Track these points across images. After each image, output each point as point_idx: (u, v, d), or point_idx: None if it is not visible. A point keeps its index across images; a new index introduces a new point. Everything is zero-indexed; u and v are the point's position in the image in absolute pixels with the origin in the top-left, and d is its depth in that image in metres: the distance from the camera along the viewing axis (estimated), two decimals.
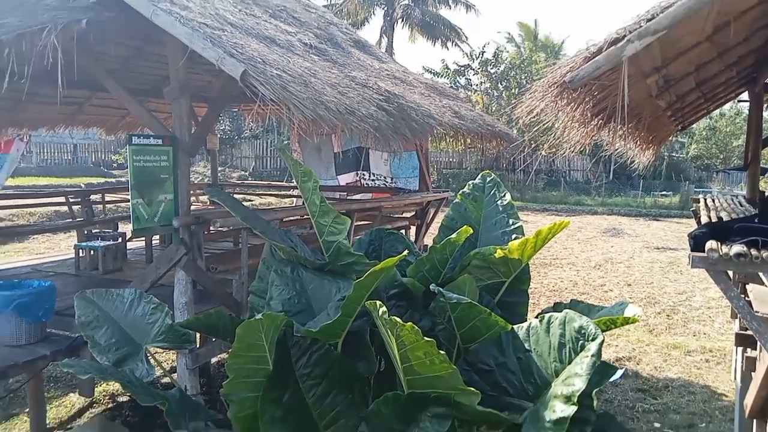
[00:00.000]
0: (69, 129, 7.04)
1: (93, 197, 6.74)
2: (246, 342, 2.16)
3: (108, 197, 7.21)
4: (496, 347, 2.34)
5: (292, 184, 10.21)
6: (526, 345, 2.29)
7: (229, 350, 4.64)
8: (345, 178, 8.02)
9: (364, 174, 7.86)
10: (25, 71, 3.08)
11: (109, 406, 4.90)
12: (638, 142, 4.55)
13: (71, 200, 6.57)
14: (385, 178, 7.78)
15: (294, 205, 8.49)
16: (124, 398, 5.02)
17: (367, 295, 2.30)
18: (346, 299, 2.23)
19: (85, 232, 5.97)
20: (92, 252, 5.19)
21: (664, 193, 22.28)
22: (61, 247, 10.41)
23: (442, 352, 1.91)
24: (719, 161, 24.59)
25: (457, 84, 24.27)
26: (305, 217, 5.67)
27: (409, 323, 1.87)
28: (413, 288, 2.76)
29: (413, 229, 6.86)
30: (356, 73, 4.68)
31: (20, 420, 4.55)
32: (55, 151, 24.21)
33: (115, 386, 5.23)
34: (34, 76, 3.31)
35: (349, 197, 7.43)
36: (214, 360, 5.68)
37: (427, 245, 6.53)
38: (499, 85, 24.23)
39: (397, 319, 1.88)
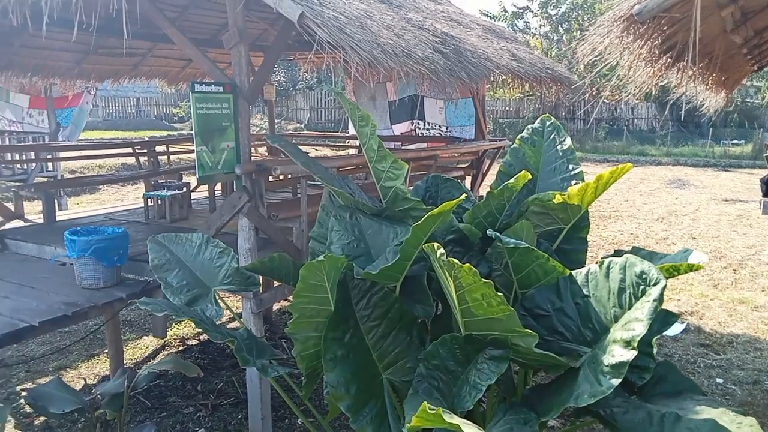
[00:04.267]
0: (132, 81, 7.26)
1: (158, 149, 7.00)
2: (309, 282, 2.24)
3: (171, 149, 7.46)
4: (554, 292, 2.34)
5: (347, 135, 10.25)
6: (585, 290, 2.28)
7: (290, 297, 4.83)
8: (400, 128, 7.97)
9: (419, 123, 7.78)
10: (92, 20, 3.18)
11: (180, 348, 5.22)
12: (709, 85, 4.29)
13: (138, 152, 6.85)
14: (440, 126, 7.69)
15: (348, 155, 8.55)
16: (194, 342, 5.33)
17: (425, 239, 2.32)
18: (404, 243, 2.26)
19: (152, 183, 6.23)
20: (159, 201, 5.43)
21: (735, 141, 21.06)
22: (130, 198, 10.94)
23: (499, 293, 1.92)
24: None
25: (515, 28, 23.35)
26: (361, 166, 5.74)
27: (467, 264, 1.89)
28: (470, 233, 2.76)
29: (468, 179, 6.80)
30: (412, 15, 4.58)
31: (100, 360, 4.93)
32: (120, 105, 25.10)
33: (185, 330, 5.56)
34: (99, 26, 3.41)
35: (403, 147, 7.40)
36: (275, 307, 5.92)
37: (482, 195, 6.46)
38: (560, 27, 23.16)
39: (455, 261, 1.90)
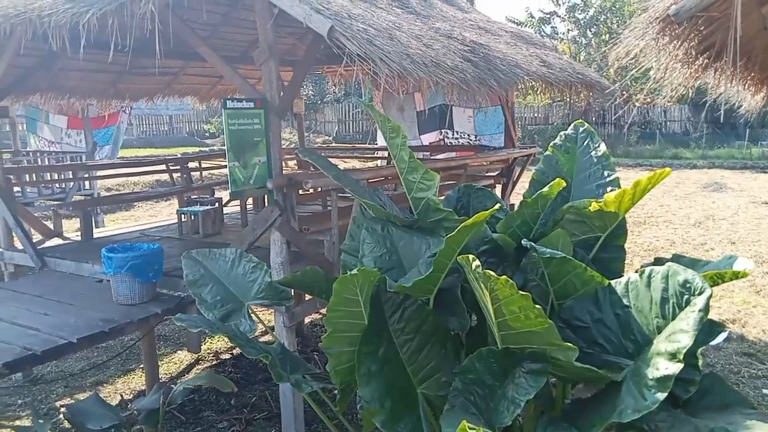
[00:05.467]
0: (165, 99, 7.43)
1: (190, 165, 7.12)
2: (342, 296, 2.22)
3: (203, 164, 7.59)
4: (593, 303, 2.27)
5: (375, 146, 10.27)
6: (625, 301, 2.21)
7: (322, 310, 4.81)
8: (428, 138, 7.95)
9: (447, 132, 7.75)
10: (127, 41, 3.25)
11: (214, 362, 5.26)
12: (748, 84, 4.16)
13: (171, 168, 6.98)
14: (469, 135, 7.64)
15: (377, 166, 8.55)
16: (227, 356, 5.37)
17: (459, 250, 2.29)
18: (437, 255, 2.23)
19: (185, 199, 6.32)
20: (193, 217, 5.50)
21: None
22: (163, 214, 11.14)
23: (538, 306, 1.87)
24: None
25: (542, 33, 23.16)
26: (390, 177, 5.73)
27: (504, 276, 1.85)
28: (504, 244, 2.71)
29: (498, 188, 6.72)
30: (440, 24, 4.57)
31: (136, 375, 4.99)
32: (153, 123, 25.73)
33: (218, 344, 5.60)
34: (133, 48, 3.49)
35: (432, 157, 7.37)
36: (307, 320, 5.93)
37: (513, 204, 6.39)
38: (588, 31, 22.88)
39: (491, 273, 1.86)
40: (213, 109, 23.64)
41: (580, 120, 3.44)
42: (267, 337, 5.54)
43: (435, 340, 2.40)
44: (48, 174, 8.25)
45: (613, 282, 2.26)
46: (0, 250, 5.19)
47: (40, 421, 3.08)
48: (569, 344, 1.91)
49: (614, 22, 21.66)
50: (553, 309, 2.50)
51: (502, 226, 2.76)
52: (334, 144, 21.70)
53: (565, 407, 2.33)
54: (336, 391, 2.59)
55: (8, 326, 3.54)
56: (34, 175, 7.88)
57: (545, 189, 2.69)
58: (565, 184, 2.79)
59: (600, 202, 2.65)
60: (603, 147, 3.19)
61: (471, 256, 1.97)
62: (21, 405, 4.48)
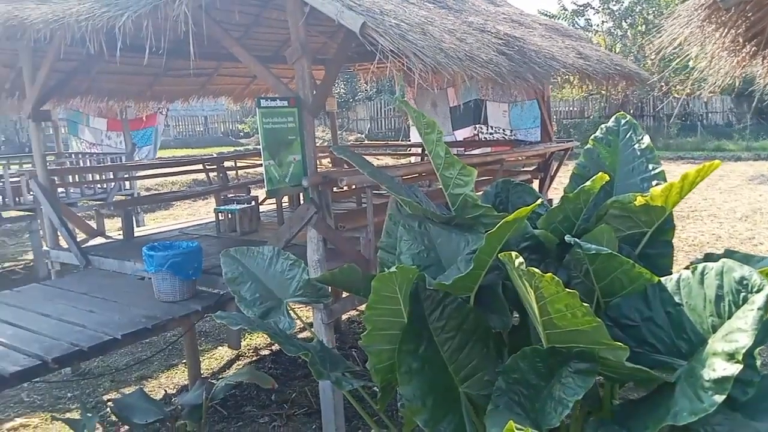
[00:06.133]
0: (200, 100, 7.55)
1: (226, 164, 7.21)
2: (381, 294, 2.20)
3: (239, 163, 7.67)
4: (642, 301, 2.20)
5: (408, 143, 10.24)
6: (676, 298, 2.12)
7: (360, 307, 4.80)
8: (462, 133, 7.87)
9: (481, 128, 7.66)
10: (162, 44, 3.29)
11: (254, 358, 5.31)
12: None
13: (207, 168, 7.08)
14: (504, 130, 7.53)
15: (411, 163, 8.51)
16: (266, 352, 5.42)
17: (499, 247, 2.24)
18: (477, 252, 2.19)
19: (222, 197, 6.40)
20: (230, 215, 5.56)
21: None
22: (201, 213, 11.33)
23: (585, 304, 1.81)
24: None
25: (576, 26, 22.68)
26: (424, 174, 5.69)
27: (549, 274, 1.79)
28: (546, 240, 2.65)
29: (535, 183, 6.60)
30: (473, 18, 4.51)
31: (178, 370, 5.08)
32: (189, 123, 26.21)
33: (258, 340, 5.65)
34: (168, 50, 3.54)
35: (467, 152, 7.29)
36: (344, 317, 5.94)
37: (551, 200, 6.26)
38: (623, 23, 22.31)
39: (536, 270, 1.81)
40: (247, 109, 23.95)
41: (622, 112, 3.34)
42: (305, 334, 5.57)
43: (476, 339, 2.35)
44: (90, 175, 8.46)
45: (663, 279, 2.17)
46: (47, 249, 5.35)
47: (88, 414, 3.15)
48: (620, 344, 1.84)
49: (650, 12, 21.06)
50: (599, 307, 2.42)
51: (543, 221, 2.69)
52: (366, 141, 21.71)
53: (614, 408, 2.26)
54: (377, 389, 2.57)
55: (56, 323, 3.64)
56: (76, 176, 8.10)
57: (588, 183, 2.61)
58: (608, 178, 2.71)
59: (646, 196, 2.56)
60: (647, 139, 3.09)
61: (514, 253, 1.92)
62: (70, 398, 4.60)
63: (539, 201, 2.54)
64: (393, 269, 2.14)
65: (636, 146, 3.08)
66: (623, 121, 3.19)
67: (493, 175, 5.62)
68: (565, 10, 22.99)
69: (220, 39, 3.83)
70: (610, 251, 2.22)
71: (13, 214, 8.82)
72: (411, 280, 2.27)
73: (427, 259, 2.69)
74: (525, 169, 6.74)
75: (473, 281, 2.33)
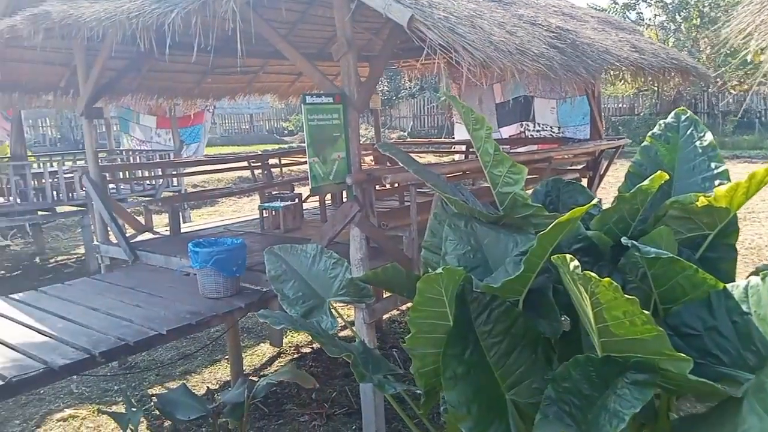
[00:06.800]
0: (246, 98, 7.63)
1: (270, 161, 7.26)
2: (426, 296, 2.13)
3: (283, 161, 7.72)
4: (705, 308, 2.06)
5: (452, 141, 10.11)
6: (744, 307, 1.98)
7: (402, 307, 4.72)
8: (508, 131, 7.71)
9: (528, 125, 7.48)
10: (209, 41, 3.31)
11: (295, 356, 5.32)
12: None
13: (252, 165, 7.15)
14: (551, 127, 7.34)
15: (455, 161, 8.39)
16: (307, 349, 5.42)
17: (551, 249, 2.14)
18: (528, 253, 2.09)
19: (266, 194, 6.45)
20: (274, 212, 5.59)
21: None
22: (245, 209, 11.49)
23: (646, 312, 1.70)
24: None
25: (627, 19, 21.98)
26: (468, 172, 5.57)
27: (607, 279, 1.69)
28: (599, 242, 2.52)
29: (584, 182, 6.39)
30: (523, 11, 4.38)
31: (221, 365, 5.13)
32: (235, 121, 26.68)
33: (299, 338, 5.67)
34: (216, 47, 3.55)
35: (512, 150, 7.13)
36: (385, 316, 5.89)
37: (600, 199, 6.04)
38: (677, 16, 21.50)
39: (593, 274, 1.71)
40: (291, 107, 24.19)
41: (682, 107, 3.16)
42: (346, 332, 5.55)
43: (525, 344, 2.25)
44: (139, 171, 8.67)
45: (728, 285, 2.03)
46: (97, 244, 5.49)
47: (133, 409, 3.20)
48: (683, 355, 1.72)
49: (706, 4, 20.22)
50: (657, 314, 2.29)
51: (596, 222, 2.57)
52: (408, 139, 21.61)
53: (672, 423, 2.13)
54: (420, 393, 2.51)
55: (105, 317, 3.71)
56: (126, 172, 8.32)
57: (645, 182, 2.47)
58: (667, 176, 2.56)
59: (708, 196, 2.40)
60: (709, 136, 2.91)
61: (568, 256, 1.82)
62: (117, 391, 4.71)
63: (594, 201, 2.42)
64: (439, 270, 2.06)
65: (697, 143, 2.91)
66: (683, 117, 3.02)
67: (541, 173, 5.47)
68: (616, 3, 22.32)
69: (266, 36, 3.82)
70: (670, 255, 2.09)
71: (67, 209, 9.15)
72: (457, 282, 2.19)
73: (473, 260, 2.60)
74: (573, 167, 6.54)
75: (523, 284, 2.24)
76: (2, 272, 8.86)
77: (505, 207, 2.74)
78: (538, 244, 2.07)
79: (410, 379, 2.47)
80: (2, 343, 3.31)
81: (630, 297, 1.70)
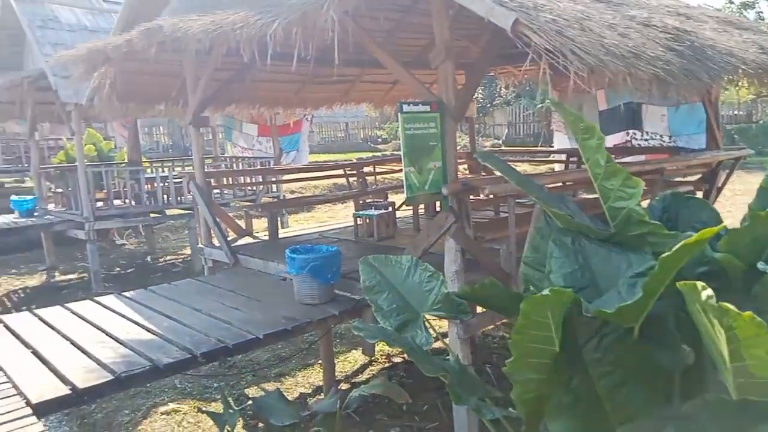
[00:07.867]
0: (343, 106, 7.74)
1: (365, 169, 7.31)
2: (531, 318, 1.98)
3: (377, 169, 7.75)
4: None
5: (549, 149, 9.73)
6: None
7: (497, 322, 4.52)
8: (612, 139, 7.26)
9: (635, 133, 7.02)
10: (309, 51, 3.34)
11: (386, 365, 5.28)
12: None
13: (348, 173, 7.23)
14: (661, 136, 6.83)
15: (552, 171, 8.05)
16: (399, 359, 5.36)
17: (674, 273, 1.92)
18: (650, 277, 1.89)
19: (361, 202, 6.49)
20: (368, 220, 5.60)
21: None
22: (340, 216, 11.68)
23: None
24: None
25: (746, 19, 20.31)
26: (569, 183, 5.29)
27: (748, 312, 1.47)
28: (729, 266, 2.25)
29: (698, 195, 5.89)
30: (635, 12, 4.09)
31: (314, 370, 5.19)
32: (331, 129, 27.37)
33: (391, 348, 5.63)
34: (315, 57, 3.59)
35: (617, 160, 6.70)
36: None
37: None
38: None
39: (730, 306, 1.50)
40: (385, 116, 24.49)
41: None
42: (437, 344, 5.43)
43: (640, 377, 2.04)
44: (241, 177, 9.04)
45: None
46: (201, 246, 5.75)
47: (230, 411, 3.27)
48: None
49: None
50: None
51: (725, 244, 2.30)
52: (504, 147, 21.15)
53: None
54: (520, 420, 2.35)
55: (206, 318, 3.85)
56: (230, 178, 8.70)
57: None
58: None
59: None
60: None
61: (699, 284, 1.62)
62: (216, 388, 4.88)
63: (725, 223, 2.17)
64: (545, 292, 1.91)
65: None
66: None
67: (651, 186, 5.08)
68: (732, 2, 20.73)
69: (364, 44, 3.82)
70: None
71: (175, 212, 9.72)
72: (565, 305, 2.03)
73: (581, 280, 2.41)
74: (687, 179, 6.05)
75: (640, 311, 2.03)
76: (118, 269, 9.56)
77: (618, 223, 2.52)
78: (660, 268, 1.87)
79: (506, 397, 2.33)
80: (114, 339, 3.51)
81: None
